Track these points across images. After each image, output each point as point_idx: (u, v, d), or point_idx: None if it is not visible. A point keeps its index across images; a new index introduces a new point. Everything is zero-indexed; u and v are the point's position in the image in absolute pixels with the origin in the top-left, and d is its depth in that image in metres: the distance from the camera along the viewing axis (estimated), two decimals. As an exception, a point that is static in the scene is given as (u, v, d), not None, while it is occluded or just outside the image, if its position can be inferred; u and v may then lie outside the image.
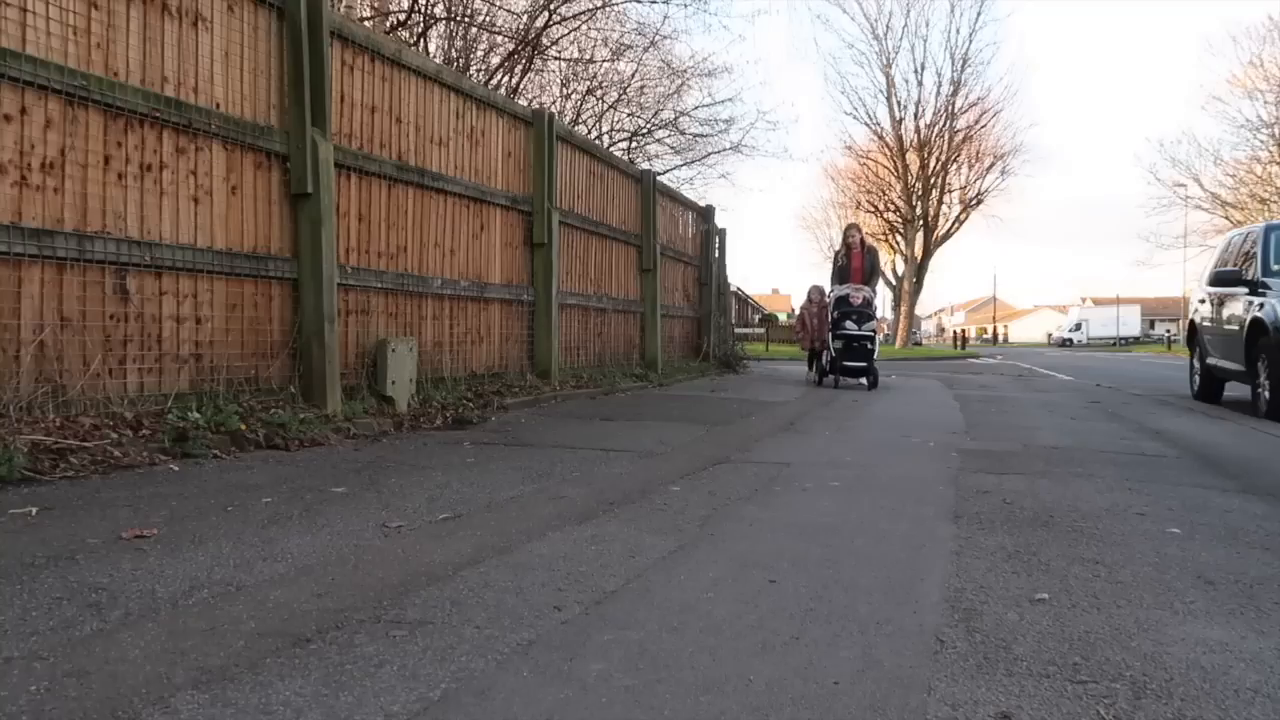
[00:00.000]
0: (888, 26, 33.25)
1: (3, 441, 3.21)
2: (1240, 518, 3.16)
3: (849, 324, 9.50)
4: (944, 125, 32.04)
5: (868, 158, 34.07)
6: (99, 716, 1.39)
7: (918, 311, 44.82)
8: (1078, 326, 71.57)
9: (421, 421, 5.28)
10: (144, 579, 2.10)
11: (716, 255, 13.72)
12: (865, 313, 9.58)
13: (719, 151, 20.90)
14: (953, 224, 34.22)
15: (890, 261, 37.82)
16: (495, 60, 14.22)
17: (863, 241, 10.41)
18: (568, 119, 16.48)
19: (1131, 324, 70.05)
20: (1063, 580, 2.30)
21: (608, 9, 15.10)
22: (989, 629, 1.92)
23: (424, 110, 6.28)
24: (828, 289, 10.52)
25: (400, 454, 4.18)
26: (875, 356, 9.65)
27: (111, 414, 3.89)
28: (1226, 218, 32.73)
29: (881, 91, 33.30)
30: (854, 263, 10.13)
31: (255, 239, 4.83)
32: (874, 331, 9.67)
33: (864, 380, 9.53)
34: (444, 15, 13.05)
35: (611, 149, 16.22)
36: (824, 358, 10.16)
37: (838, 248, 10.62)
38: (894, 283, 37.53)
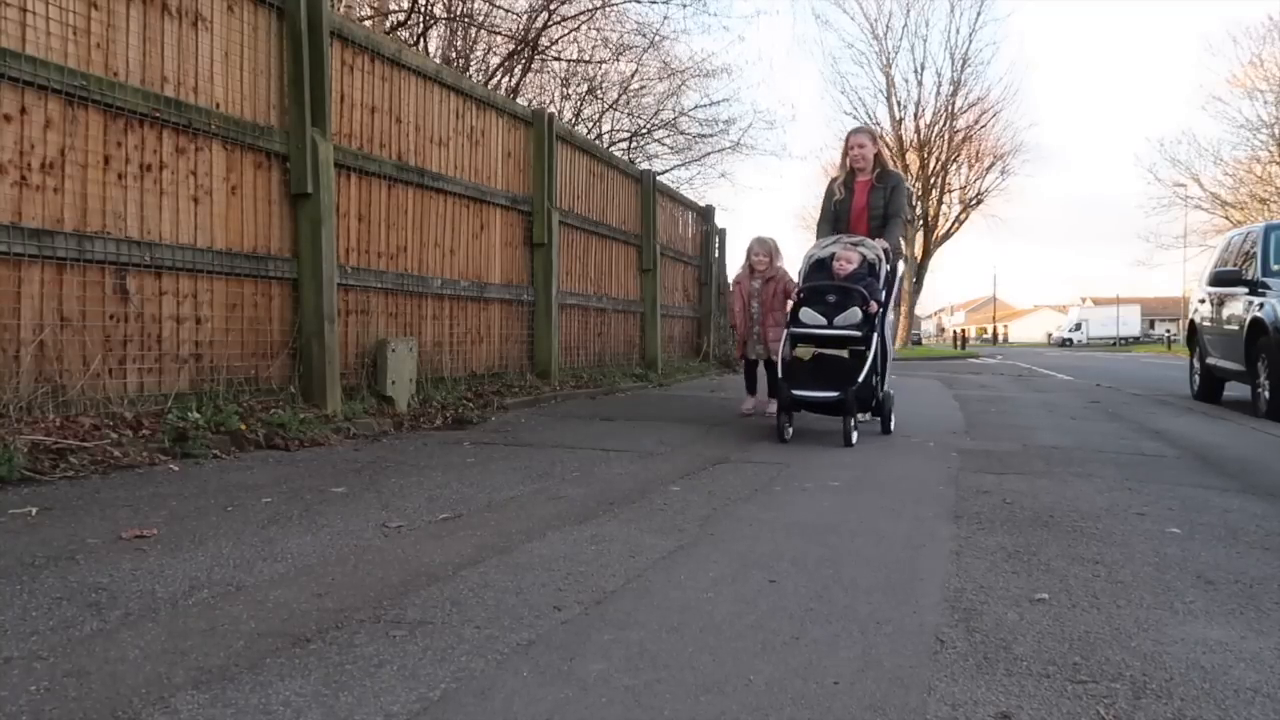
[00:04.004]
0: (888, 26, 33.14)
1: (3, 441, 3.21)
2: (1240, 518, 3.16)
3: (808, 314, 5.01)
4: (944, 125, 32.02)
5: (867, 157, 33.99)
6: (99, 716, 1.39)
7: (918, 311, 44.83)
8: (1077, 326, 71.62)
9: (421, 421, 5.28)
10: (144, 579, 2.10)
11: (716, 255, 13.73)
12: (850, 292, 4.98)
13: (718, 151, 20.91)
14: (953, 224, 34.18)
15: (890, 261, 37.67)
16: (495, 60, 14.23)
17: (877, 159, 5.73)
18: (568, 119, 16.49)
19: (1131, 324, 70.09)
20: (1063, 580, 2.30)
21: (608, 9, 15.10)
22: (989, 629, 1.92)
23: (424, 110, 6.28)
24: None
25: (400, 454, 4.18)
26: (868, 374, 4.89)
27: (111, 414, 3.89)
28: (1226, 218, 32.72)
29: (881, 91, 33.25)
30: (856, 199, 5.65)
31: (255, 239, 4.83)
32: (863, 329, 4.93)
33: (851, 427, 4.83)
34: (444, 15, 13.05)
35: (611, 149, 16.23)
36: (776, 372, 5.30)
37: (834, 174, 6.05)
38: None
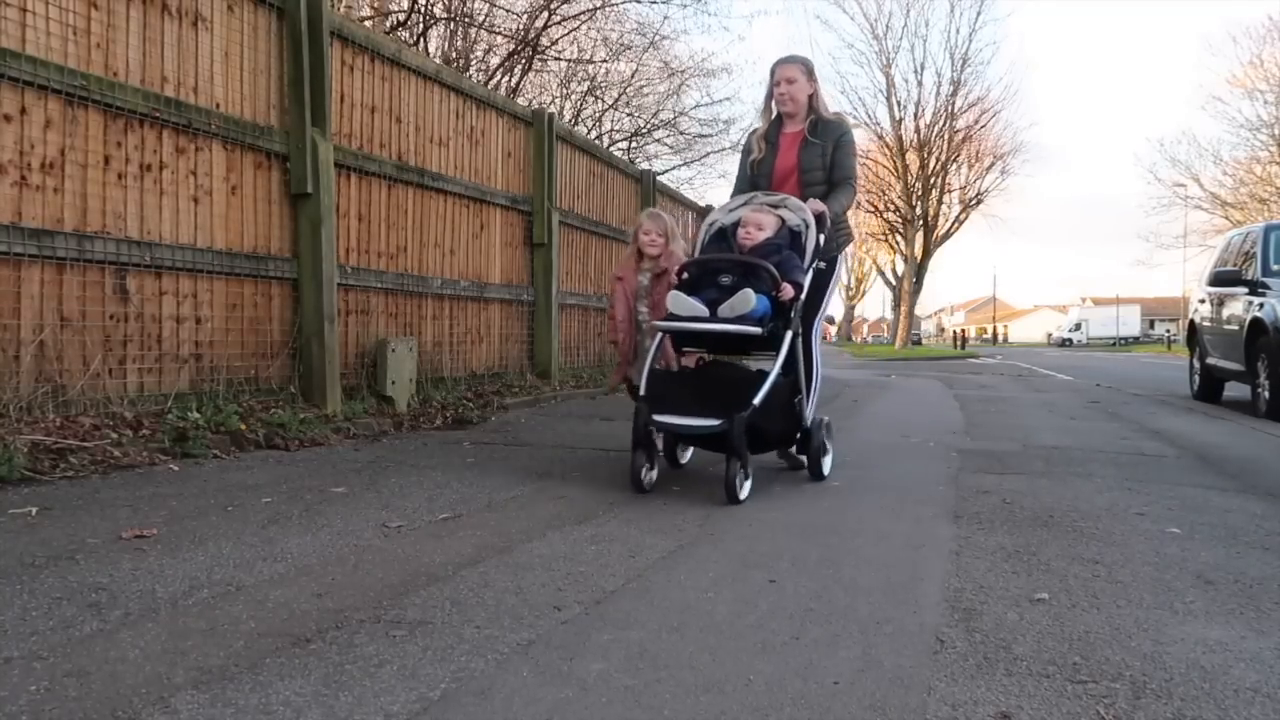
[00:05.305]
0: (887, 26, 33.10)
1: (3, 441, 3.21)
2: (1240, 518, 3.16)
3: (680, 301, 3.39)
4: (944, 125, 32.00)
5: (867, 157, 34.04)
6: (99, 716, 1.39)
7: (918, 311, 44.82)
8: (1077, 326, 71.60)
9: (421, 421, 5.28)
10: (144, 579, 2.10)
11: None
12: (753, 270, 3.43)
13: (718, 151, 20.94)
14: (953, 224, 34.19)
15: (890, 261, 37.72)
16: (495, 60, 14.24)
17: (813, 104, 4.03)
18: (568, 119, 16.50)
19: (1131, 324, 70.07)
20: (1062, 580, 2.30)
21: (608, 9, 15.11)
22: (989, 629, 1.92)
23: (424, 110, 6.28)
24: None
25: (400, 454, 4.18)
26: (775, 392, 3.29)
27: (111, 414, 3.89)
28: (1226, 218, 32.72)
29: (881, 91, 33.26)
30: (781, 157, 4.05)
31: (255, 239, 4.83)
32: (766, 325, 3.33)
33: (737, 474, 3.15)
34: (444, 15, 13.06)
35: (611, 149, 16.23)
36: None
37: (758, 124, 4.28)
38: (893, 282, 37.49)
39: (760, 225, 3.64)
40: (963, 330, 52.41)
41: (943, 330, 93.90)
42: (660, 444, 3.57)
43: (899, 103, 32.09)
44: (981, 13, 36.35)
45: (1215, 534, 2.88)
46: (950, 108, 31.76)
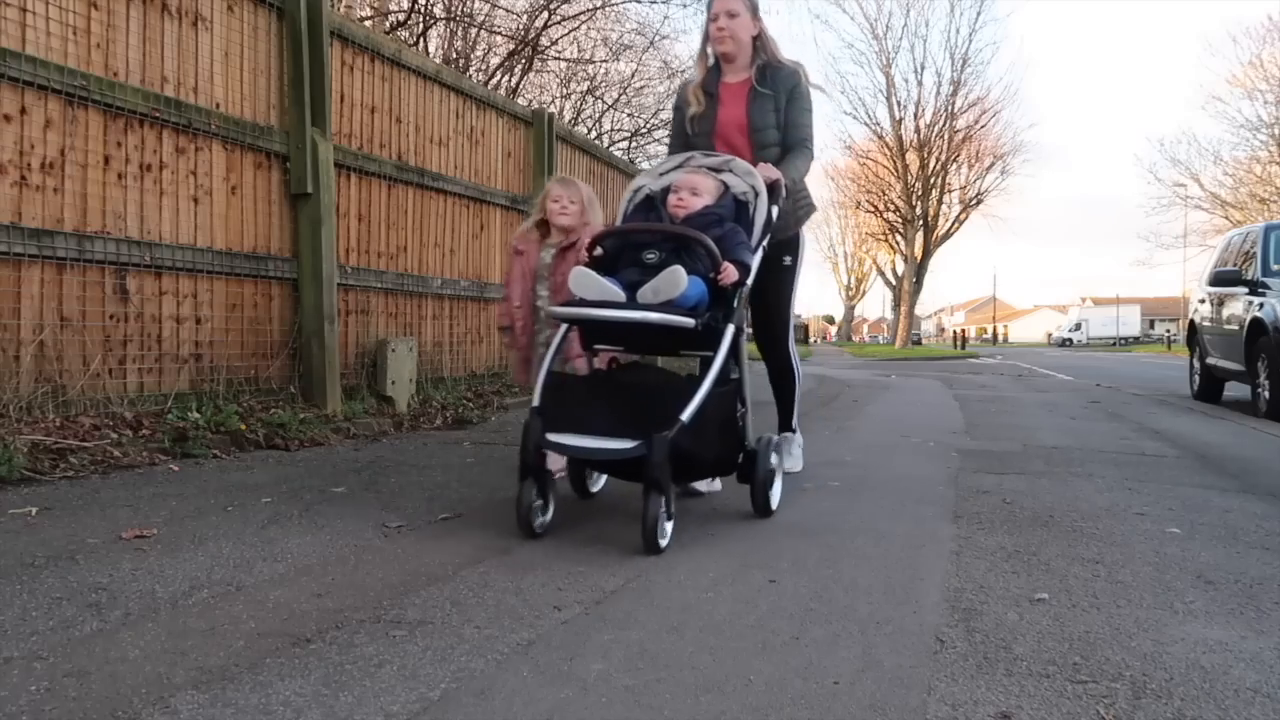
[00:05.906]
0: (887, 26, 33.32)
1: (3, 441, 3.21)
2: (1240, 518, 3.16)
3: (587, 282, 2.58)
4: (944, 125, 32.05)
5: (867, 158, 34.11)
6: (99, 716, 1.39)
7: (918, 311, 44.85)
8: (1077, 326, 71.62)
9: (421, 421, 5.28)
10: (144, 579, 2.10)
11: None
12: (685, 245, 2.70)
13: (718, 151, 20.89)
14: (953, 224, 34.23)
15: (890, 261, 37.72)
16: (495, 60, 14.24)
17: (757, 45, 3.39)
18: (568, 119, 16.49)
19: (1131, 324, 70.09)
20: (1063, 580, 2.30)
21: (608, 9, 15.11)
22: (989, 629, 1.92)
23: (424, 110, 6.28)
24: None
25: (400, 454, 4.18)
26: (707, 406, 2.50)
27: (111, 414, 3.89)
28: (1226, 218, 32.72)
29: (881, 91, 33.34)
30: (725, 111, 3.41)
31: (255, 239, 4.83)
32: (702, 316, 2.56)
33: (659, 514, 2.39)
34: (444, 15, 13.06)
35: (611, 149, 16.23)
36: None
37: (693, 70, 3.62)
38: (893, 282, 37.49)
39: (696, 190, 2.92)
40: (963, 330, 52.44)
41: (943, 330, 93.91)
42: (562, 469, 2.91)
43: (899, 103, 32.14)
44: (981, 13, 36.57)
45: (1215, 534, 2.88)
46: (950, 108, 31.82)
